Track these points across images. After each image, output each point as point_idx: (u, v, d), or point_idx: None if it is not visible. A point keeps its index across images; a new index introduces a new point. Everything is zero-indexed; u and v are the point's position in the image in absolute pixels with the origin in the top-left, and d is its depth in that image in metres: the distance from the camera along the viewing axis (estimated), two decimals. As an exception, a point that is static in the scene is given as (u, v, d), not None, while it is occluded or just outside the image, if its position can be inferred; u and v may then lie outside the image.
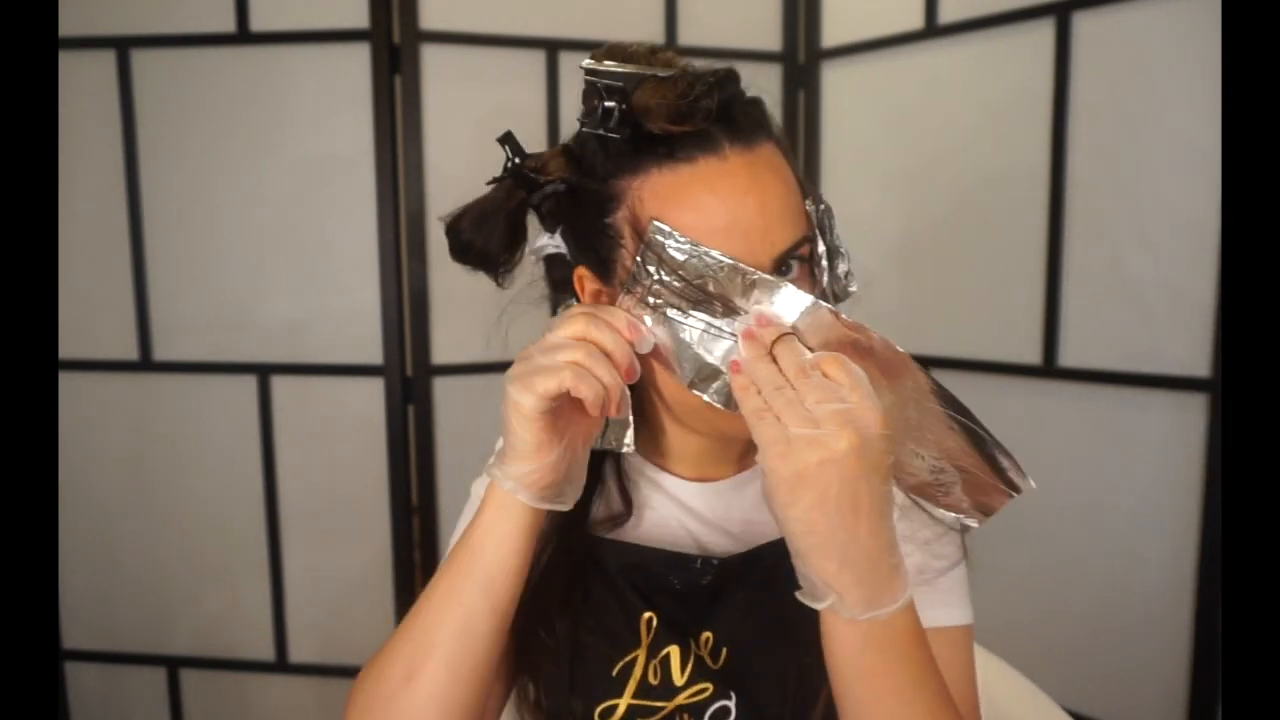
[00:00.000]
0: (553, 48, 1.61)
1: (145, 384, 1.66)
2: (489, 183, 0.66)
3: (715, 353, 0.58)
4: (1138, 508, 1.38)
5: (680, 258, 0.56)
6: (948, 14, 1.53)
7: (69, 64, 1.57)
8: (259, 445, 1.66)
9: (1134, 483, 1.38)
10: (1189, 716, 1.34)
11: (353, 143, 1.58)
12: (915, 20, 1.57)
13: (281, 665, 1.72)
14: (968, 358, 1.56)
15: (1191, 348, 1.30)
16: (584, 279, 0.64)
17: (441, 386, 1.63)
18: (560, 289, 0.70)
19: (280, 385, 1.65)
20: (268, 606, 1.70)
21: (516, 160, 0.63)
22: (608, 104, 0.57)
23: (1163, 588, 1.36)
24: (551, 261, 0.69)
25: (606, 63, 0.58)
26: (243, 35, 1.57)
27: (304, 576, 1.70)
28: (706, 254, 0.56)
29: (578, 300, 0.66)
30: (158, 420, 1.67)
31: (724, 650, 0.64)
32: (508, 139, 0.64)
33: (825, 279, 0.62)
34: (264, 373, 1.64)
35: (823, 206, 0.63)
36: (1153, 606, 1.37)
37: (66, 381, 1.64)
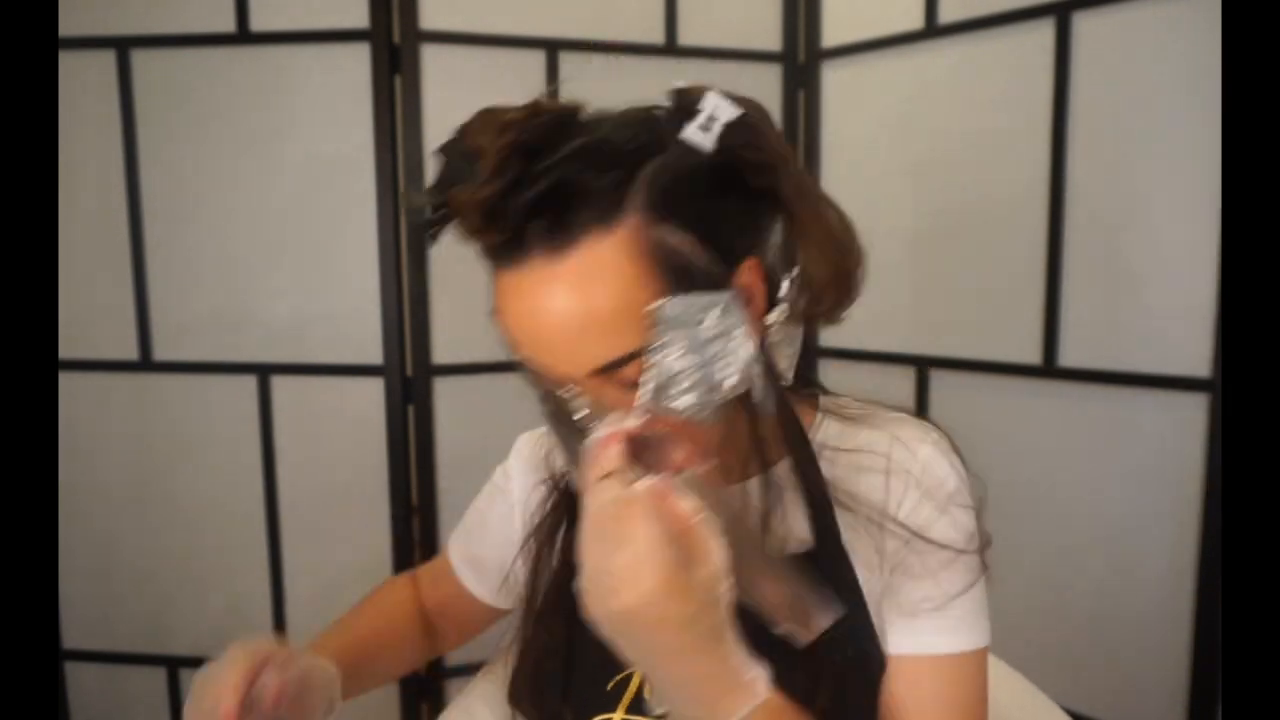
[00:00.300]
0: (553, 48, 1.61)
1: (145, 384, 1.66)
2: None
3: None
4: (1138, 508, 1.38)
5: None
6: (948, 14, 1.53)
7: (69, 64, 1.57)
8: (259, 445, 1.66)
9: (1134, 483, 1.38)
10: (1189, 716, 1.34)
11: (353, 143, 1.58)
12: (915, 20, 1.57)
13: (281, 665, 1.72)
14: (968, 358, 1.56)
15: (1191, 348, 1.30)
16: None
17: (441, 386, 1.63)
18: None
19: (280, 385, 1.65)
20: (268, 606, 1.70)
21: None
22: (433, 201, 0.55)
23: (1163, 587, 1.36)
24: None
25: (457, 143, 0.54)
26: (243, 35, 1.57)
27: (304, 576, 1.70)
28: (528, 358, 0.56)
29: None
30: (158, 420, 1.67)
31: None
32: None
33: (646, 397, 0.54)
34: (264, 373, 1.64)
35: (666, 311, 0.52)
36: (1153, 606, 1.37)
37: (66, 381, 1.64)
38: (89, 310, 1.63)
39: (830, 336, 1.75)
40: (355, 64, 1.55)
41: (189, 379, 1.65)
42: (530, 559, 0.71)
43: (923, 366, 1.62)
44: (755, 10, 1.72)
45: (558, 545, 0.70)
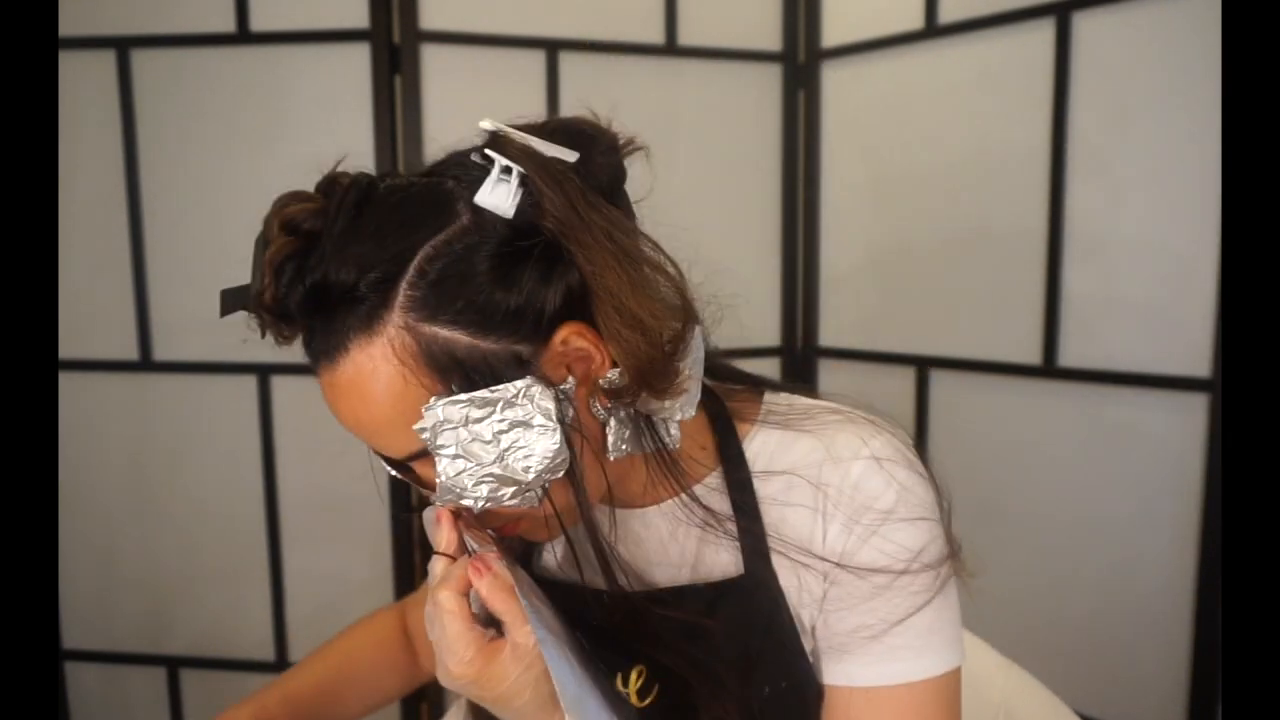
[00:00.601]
0: (553, 48, 1.61)
1: (145, 384, 1.66)
2: None
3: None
4: (1138, 508, 1.38)
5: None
6: (948, 14, 1.53)
7: (69, 64, 1.57)
8: (259, 445, 1.66)
9: (1134, 483, 1.38)
10: (1189, 716, 1.34)
11: (353, 143, 1.58)
12: (915, 20, 1.57)
13: (281, 665, 1.72)
14: (968, 358, 1.56)
15: (1191, 348, 1.30)
16: None
17: (441, 386, 1.63)
18: None
19: (280, 385, 1.65)
20: (268, 606, 1.70)
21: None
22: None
23: (1163, 588, 1.36)
24: None
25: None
26: (243, 35, 1.57)
27: (304, 576, 1.70)
28: None
29: None
30: (158, 420, 1.67)
31: (655, 687, 0.63)
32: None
33: (438, 493, 0.54)
34: (264, 373, 1.64)
35: (439, 421, 0.51)
36: (1153, 607, 1.37)
37: (66, 381, 1.64)
38: (89, 310, 1.63)
39: (830, 337, 1.75)
40: (355, 64, 1.55)
41: (189, 379, 1.65)
42: None
43: (923, 366, 1.62)
44: (755, 10, 1.72)
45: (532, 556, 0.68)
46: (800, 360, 1.79)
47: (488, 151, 0.52)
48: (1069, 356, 1.44)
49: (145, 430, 1.67)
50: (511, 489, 0.53)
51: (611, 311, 0.51)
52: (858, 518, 0.58)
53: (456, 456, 0.51)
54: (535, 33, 1.60)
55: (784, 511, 0.60)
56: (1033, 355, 1.47)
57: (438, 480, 0.53)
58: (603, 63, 1.63)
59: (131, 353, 1.64)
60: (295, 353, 1.80)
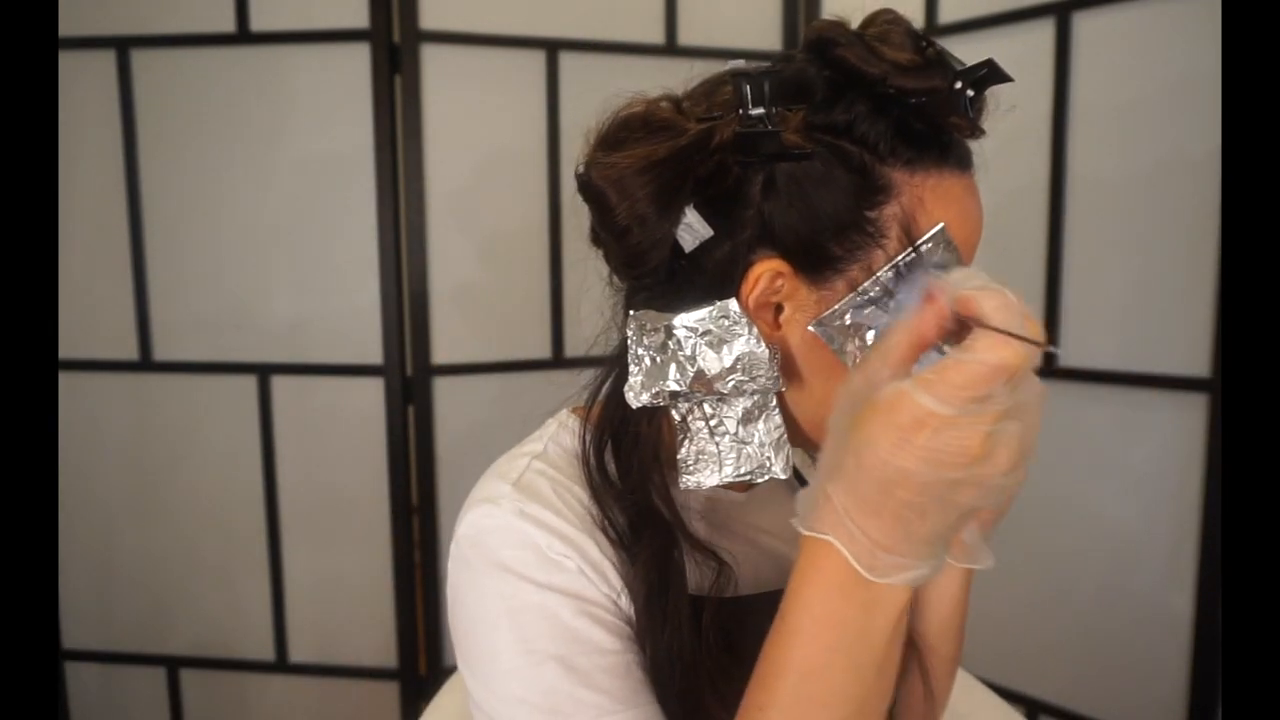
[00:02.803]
0: (553, 48, 1.61)
1: (145, 384, 1.66)
2: (700, 119, 0.52)
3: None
4: (1138, 508, 1.38)
5: (935, 275, 0.49)
6: (948, 14, 1.53)
7: (69, 64, 1.57)
8: (259, 445, 1.66)
9: (1134, 483, 1.38)
10: (1189, 716, 1.34)
11: (353, 143, 1.58)
12: (915, 20, 1.55)
13: (281, 665, 1.72)
14: (968, 358, 1.56)
15: (1191, 348, 1.30)
16: (769, 275, 0.52)
17: (441, 386, 1.63)
18: (690, 283, 0.54)
19: (280, 385, 1.65)
20: (268, 606, 1.70)
21: (759, 112, 0.50)
22: (927, 84, 0.50)
23: (1163, 588, 1.36)
24: (695, 250, 0.53)
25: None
26: (243, 35, 1.57)
27: (304, 576, 1.70)
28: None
29: (735, 297, 0.52)
30: (158, 420, 1.67)
31: None
32: (746, 76, 0.50)
33: None
34: (264, 373, 1.64)
35: None
36: (1153, 606, 1.37)
37: (66, 381, 1.64)
38: (89, 310, 1.63)
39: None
40: (355, 64, 1.55)
41: (189, 379, 1.65)
42: (653, 635, 0.55)
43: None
44: (755, 10, 1.72)
45: (671, 600, 0.55)
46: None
47: None
48: (1069, 356, 1.44)
49: (145, 430, 1.67)
50: None
51: None
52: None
53: None
54: (535, 33, 1.60)
55: None
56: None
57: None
58: (603, 63, 1.63)
59: (131, 353, 1.64)
60: (295, 353, 1.78)
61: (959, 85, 0.51)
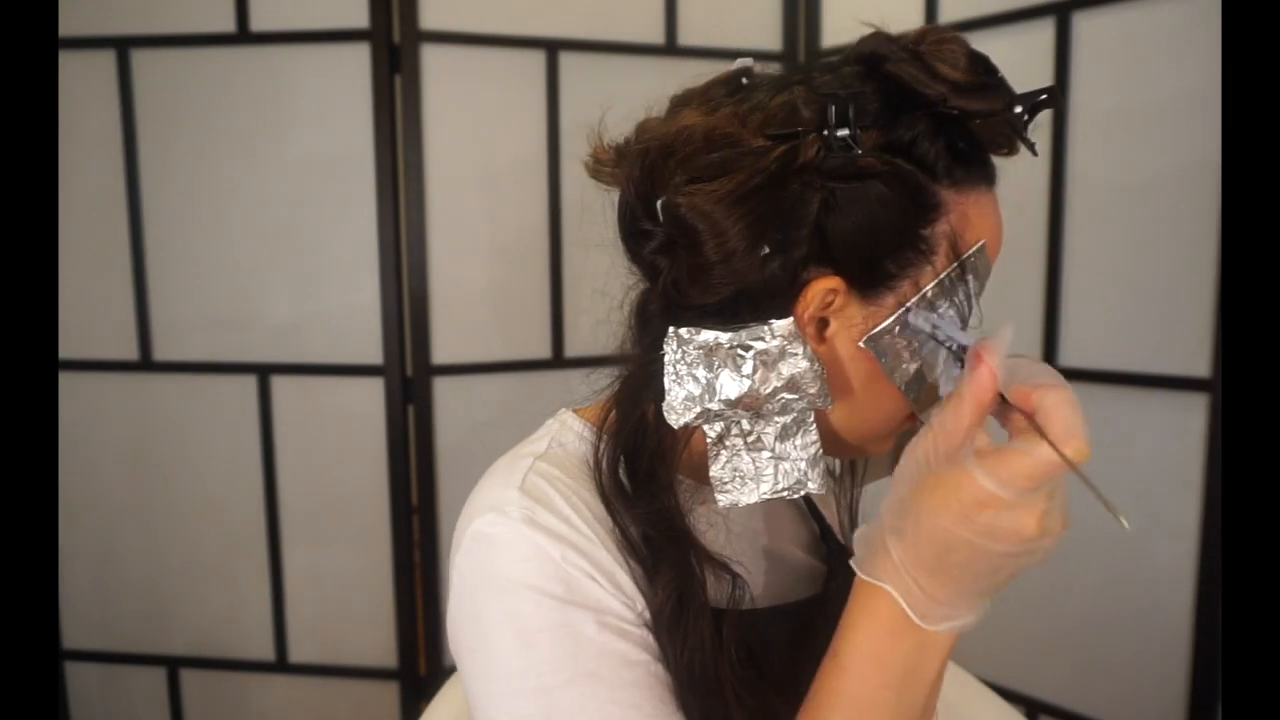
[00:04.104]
0: (553, 48, 1.61)
1: (145, 384, 1.66)
2: (771, 135, 0.51)
3: (946, 385, 0.55)
4: (1138, 508, 1.38)
5: (974, 288, 0.55)
6: (948, 14, 1.53)
7: (69, 64, 1.57)
8: (259, 445, 1.66)
9: (1134, 483, 1.38)
10: (1189, 716, 1.34)
11: (353, 143, 1.58)
12: (915, 20, 1.57)
13: (281, 665, 1.72)
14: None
15: (1191, 348, 1.30)
16: (823, 290, 0.52)
17: (441, 386, 1.63)
18: (742, 301, 0.53)
19: (280, 385, 1.65)
20: (268, 606, 1.70)
21: (844, 133, 0.50)
22: (986, 106, 0.50)
23: (1163, 587, 1.36)
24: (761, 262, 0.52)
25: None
26: (243, 35, 1.57)
27: (304, 576, 1.70)
28: (979, 291, 0.55)
29: (790, 314, 0.52)
30: (158, 420, 1.67)
31: None
32: (834, 97, 0.50)
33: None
34: (264, 373, 1.64)
35: None
36: (1153, 606, 1.37)
37: (66, 381, 1.64)
38: (89, 310, 1.63)
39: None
40: (355, 64, 1.55)
41: (189, 379, 1.65)
42: (678, 646, 0.54)
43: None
44: (755, 10, 1.72)
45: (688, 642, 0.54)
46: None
47: None
48: (1069, 356, 1.44)
49: (145, 430, 1.67)
50: None
51: None
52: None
53: None
54: (535, 33, 1.60)
55: None
56: (1033, 356, 1.47)
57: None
58: (603, 63, 1.63)
59: (131, 353, 1.64)
60: (295, 353, 1.78)
61: (1018, 110, 0.51)
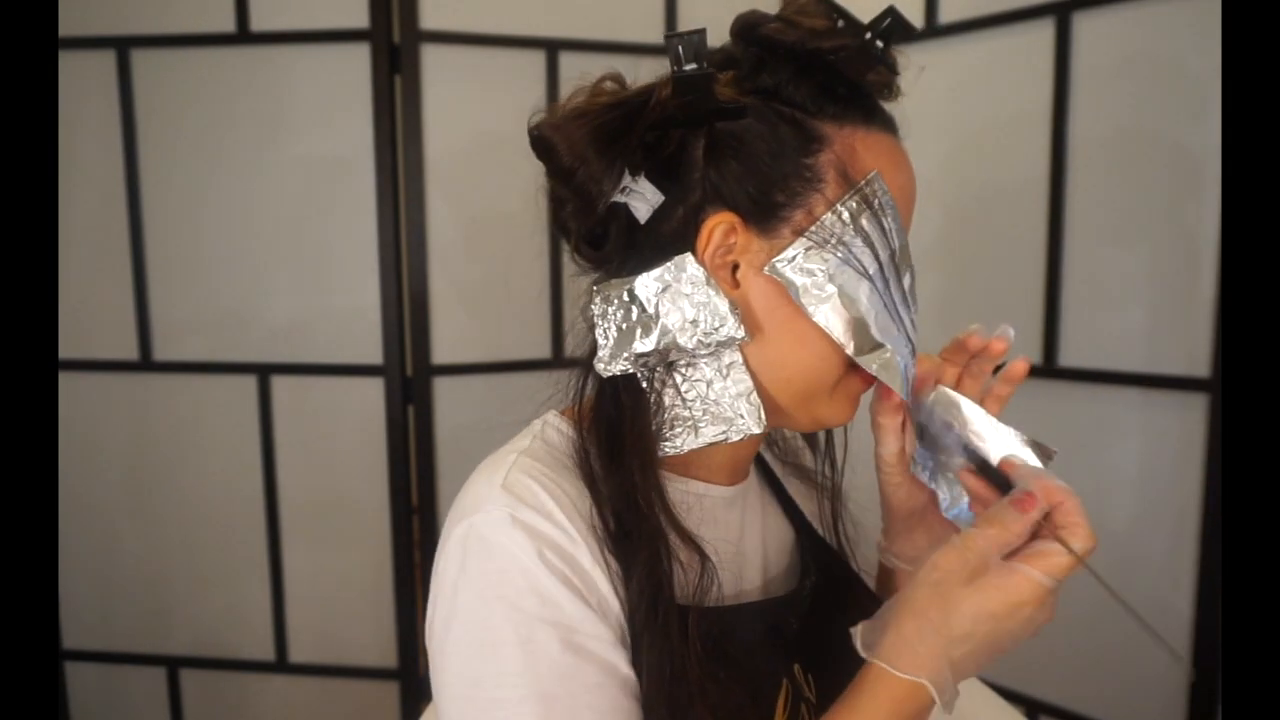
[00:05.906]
0: (553, 48, 1.61)
1: (145, 384, 1.66)
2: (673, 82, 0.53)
3: (889, 331, 0.57)
4: (1138, 507, 1.38)
5: (885, 222, 0.55)
6: (948, 14, 1.53)
7: (69, 64, 1.58)
8: (259, 445, 1.66)
9: (1134, 483, 1.38)
10: (1189, 716, 1.34)
11: (353, 143, 1.58)
12: (915, 20, 1.56)
13: (281, 665, 1.72)
14: (968, 358, 1.56)
15: (1191, 348, 1.30)
16: (722, 228, 0.55)
17: (441, 386, 1.63)
18: (648, 252, 0.57)
19: (280, 385, 1.65)
20: (268, 606, 1.70)
21: (692, 67, 0.52)
22: (839, 42, 0.54)
23: (1163, 588, 1.36)
24: (650, 220, 0.57)
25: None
26: (243, 35, 1.57)
27: (304, 576, 1.70)
28: (897, 230, 0.56)
29: (691, 252, 0.55)
30: (158, 420, 1.67)
31: (810, 678, 0.63)
32: (678, 36, 0.52)
33: None
34: (264, 373, 1.64)
35: None
36: (1153, 606, 1.37)
37: (66, 381, 1.64)
38: (89, 310, 1.63)
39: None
40: (355, 64, 1.55)
41: (189, 379, 1.65)
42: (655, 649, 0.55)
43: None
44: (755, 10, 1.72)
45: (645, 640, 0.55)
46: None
47: None
48: (1069, 356, 1.44)
49: (145, 430, 1.67)
50: None
51: None
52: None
53: None
54: (535, 33, 1.60)
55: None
56: (1033, 355, 1.47)
57: None
58: (603, 63, 1.63)
59: (131, 353, 1.64)
60: (295, 353, 1.79)
61: (869, 37, 0.54)
